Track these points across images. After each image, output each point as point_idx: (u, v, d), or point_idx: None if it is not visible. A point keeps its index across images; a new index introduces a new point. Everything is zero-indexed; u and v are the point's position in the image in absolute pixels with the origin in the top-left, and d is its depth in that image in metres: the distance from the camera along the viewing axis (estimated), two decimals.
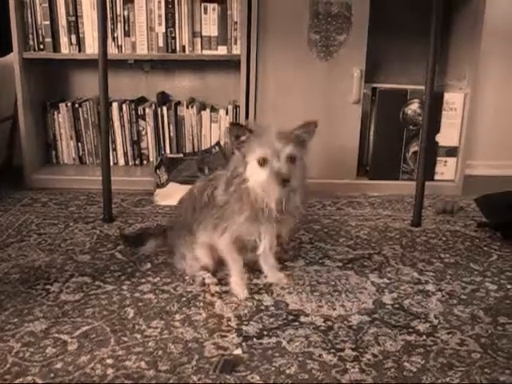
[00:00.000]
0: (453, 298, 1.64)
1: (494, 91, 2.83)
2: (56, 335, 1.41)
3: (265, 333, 1.45)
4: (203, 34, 2.59)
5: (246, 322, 1.49)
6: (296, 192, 1.53)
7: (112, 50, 2.55)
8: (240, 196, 1.52)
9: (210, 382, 1.25)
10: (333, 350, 1.38)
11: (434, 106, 2.50)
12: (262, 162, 1.47)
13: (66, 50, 2.58)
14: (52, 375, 1.26)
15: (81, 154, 2.79)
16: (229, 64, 2.65)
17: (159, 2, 2.55)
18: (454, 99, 2.62)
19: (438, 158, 2.66)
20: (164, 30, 2.58)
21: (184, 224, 1.74)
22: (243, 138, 1.51)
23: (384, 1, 2.45)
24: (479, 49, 2.58)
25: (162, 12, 2.56)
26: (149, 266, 1.82)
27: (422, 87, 2.47)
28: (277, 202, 1.50)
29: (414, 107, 2.59)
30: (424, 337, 1.44)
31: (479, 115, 2.82)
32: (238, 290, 1.64)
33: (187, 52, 2.61)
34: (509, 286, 1.73)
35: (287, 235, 1.66)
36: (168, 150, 2.78)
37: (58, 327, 1.45)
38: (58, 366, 1.29)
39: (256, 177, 1.49)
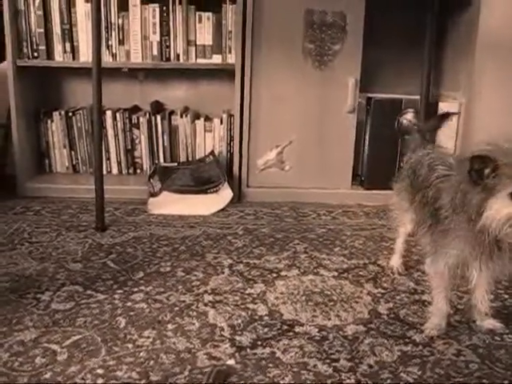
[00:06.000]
0: (449, 308, 1.62)
1: (489, 101, 2.81)
2: (46, 345, 1.39)
3: (259, 343, 1.42)
4: (198, 42, 2.59)
5: (239, 332, 1.47)
6: None
7: (106, 58, 2.54)
8: (469, 226, 1.35)
9: None
10: (328, 361, 1.36)
11: (429, 116, 2.50)
12: None
13: (60, 57, 2.57)
14: None
15: (74, 162, 2.77)
16: (223, 73, 2.64)
17: (154, 11, 2.54)
18: (449, 109, 2.62)
19: None
20: (158, 39, 2.57)
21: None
22: (487, 171, 1.30)
23: (379, 10, 2.44)
24: (474, 59, 2.58)
25: (157, 21, 2.55)
26: (141, 274, 1.79)
27: (417, 97, 2.49)
28: None
29: (409, 117, 2.58)
30: (420, 347, 1.43)
31: (475, 125, 2.82)
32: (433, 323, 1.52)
33: (181, 61, 2.60)
34: (506, 296, 1.72)
35: (505, 269, 1.43)
36: (162, 159, 2.76)
37: (47, 336, 1.42)
38: (47, 376, 1.27)
39: (501, 210, 1.28)
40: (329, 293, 1.71)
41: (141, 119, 2.73)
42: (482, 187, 1.31)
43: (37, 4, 2.50)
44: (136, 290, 1.69)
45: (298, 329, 1.50)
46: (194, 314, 1.56)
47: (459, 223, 1.38)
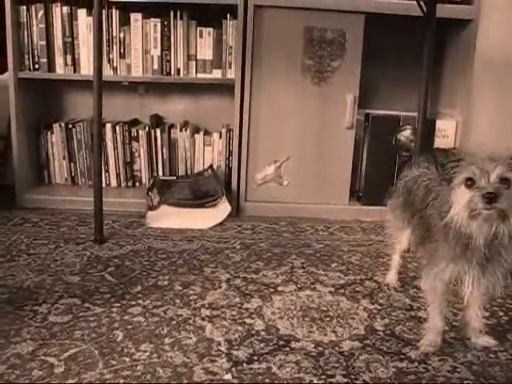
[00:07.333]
0: (445, 325, 1.63)
1: (485, 119, 2.84)
2: (43, 357, 1.39)
3: (255, 358, 1.43)
4: (198, 57, 2.61)
5: (236, 347, 1.48)
6: (506, 221, 1.29)
7: (107, 72, 2.56)
8: (446, 234, 1.39)
9: None
10: (323, 377, 1.36)
11: (427, 133, 2.53)
12: (469, 184, 1.29)
13: (61, 70, 2.59)
14: None
15: (73, 174, 2.78)
16: (223, 88, 2.66)
17: (155, 26, 2.56)
18: (446, 126, 2.65)
19: None
20: (159, 53, 2.59)
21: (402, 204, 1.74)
22: (450, 164, 1.34)
23: (378, 28, 2.47)
24: (471, 77, 2.62)
25: (158, 35, 2.57)
26: (139, 288, 1.80)
27: (415, 114, 2.50)
28: (482, 228, 1.31)
29: (406, 133, 2.60)
30: (416, 364, 1.43)
31: (471, 142, 2.84)
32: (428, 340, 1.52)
33: (182, 75, 2.62)
34: (501, 313, 1.72)
35: (496, 285, 1.42)
36: (161, 173, 2.77)
37: (45, 349, 1.43)
38: None
39: (460, 200, 1.31)
40: (325, 308, 1.72)
41: (140, 132, 2.74)
42: (447, 182, 1.35)
43: (39, 17, 2.53)
44: (133, 303, 1.69)
45: (294, 344, 1.51)
46: (191, 328, 1.57)
47: (444, 231, 1.39)
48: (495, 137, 2.84)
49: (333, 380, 1.35)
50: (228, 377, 1.34)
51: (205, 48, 2.60)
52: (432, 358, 1.46)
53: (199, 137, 2.77)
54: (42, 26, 2.54)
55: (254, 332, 1.56)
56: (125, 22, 2.57)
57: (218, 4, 2.48)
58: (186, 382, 1.32)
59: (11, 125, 2.55)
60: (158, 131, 2.75)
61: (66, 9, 2.53)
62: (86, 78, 2.46)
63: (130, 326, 1.56)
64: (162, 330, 1.55)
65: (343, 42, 2.49)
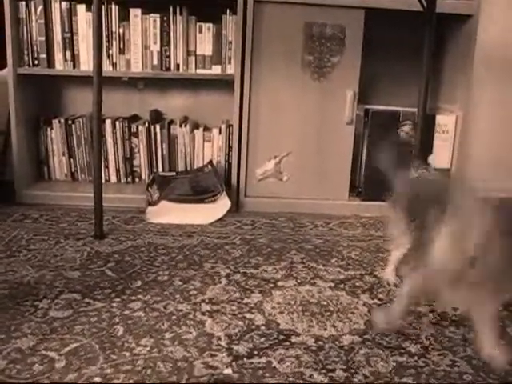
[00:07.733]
0: (444, 320, 1.63)
1: (485, 114, 2.84)
2: (44, 352, 1.39)
3: (255, 352, 1.43)
4: (198, 52, 2.61)
5: (236, 342, 1.48)
6: None
7: (106, 67, 2.55)
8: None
9: None
10: (324, 371, 1.37)
11: (427, 128, 2.53)
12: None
13: (60, 66, 2.58)
14: None
15: (73, 170, 2.78)
16: (223, 83, 2.66)
17: (154, 21, 2.56)
18: (446, 121, 2.65)
19: None
20: (159, 49, 2.59)
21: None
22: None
23: (378, 23, 2.47)
24: (471, 72, 2.61)
25: (158, 31, 2.57)
26: (139, 283, 1.80)
27: (415, 109, 2.51)
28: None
29: (406, 129, 2.60)
30: (416, 358, 1.44)
31: (471, 137, 2.84)
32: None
33: (181, 70, 2.62)
34: (499, 308, 1.73)
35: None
36: (160, 168, 2.77)
37: (45, 344, 1.43)
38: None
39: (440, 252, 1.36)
40: (325, 303, 1.72)
41: (140, 128, 2.74)
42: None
43: (38, 12, 2.52)
44: (134, 298, 1.70)
45: (294, 339, 1.51)
46: (192, 323, 1.57)
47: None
48: (495, 131, 2.84)
49: (333, 374, 1.35)
50: (228, 371, 1.35)
51: (204, 43, 2.60)
52: (432, 353, 1.46)
53: (199, 132, 2.77)
54: (42, 21, 2.53)
55: (254, 327, 1.56)
56: (124, 17, 2.56)
57: None
58: (187, 376, 1.32)
59: (11, 121, 2.55)
60: (158, 127, 2.75)
61: (65, 4, 2.53)
62: (86, 73, 2.45)
63: (130, 321, 1.56)
64: (163, 324, 1.55)
65: (343, 38, 2.49)
